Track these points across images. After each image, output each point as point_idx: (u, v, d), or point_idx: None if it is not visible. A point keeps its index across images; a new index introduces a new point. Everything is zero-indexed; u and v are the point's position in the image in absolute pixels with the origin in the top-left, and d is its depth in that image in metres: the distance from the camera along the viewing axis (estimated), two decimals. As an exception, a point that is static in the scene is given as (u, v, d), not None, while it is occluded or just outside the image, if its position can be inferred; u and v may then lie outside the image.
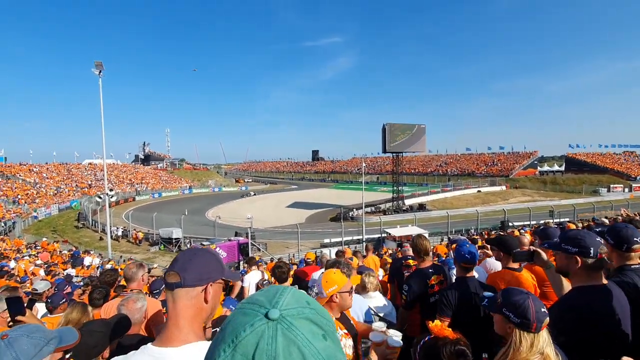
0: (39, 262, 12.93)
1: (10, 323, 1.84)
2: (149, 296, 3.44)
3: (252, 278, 5.85)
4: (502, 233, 14.03)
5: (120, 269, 9.89)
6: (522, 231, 11.17)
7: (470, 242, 2.81)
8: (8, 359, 0.98)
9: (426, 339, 1.52)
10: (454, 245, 3.48)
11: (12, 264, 11.50)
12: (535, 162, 66.26)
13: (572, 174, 57.98)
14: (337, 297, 2.01)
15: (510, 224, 22.21)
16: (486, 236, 15.55)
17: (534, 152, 67.95)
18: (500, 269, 3.06)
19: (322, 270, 4.96)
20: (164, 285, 4.40)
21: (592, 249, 1.76)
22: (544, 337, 1.48)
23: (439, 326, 1.52)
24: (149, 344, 1.07)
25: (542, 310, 1.50)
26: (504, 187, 51.50)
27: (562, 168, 65.63)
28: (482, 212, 27.80)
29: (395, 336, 1.73)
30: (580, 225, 7.58)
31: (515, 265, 2.78)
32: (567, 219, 19.94)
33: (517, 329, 1.51)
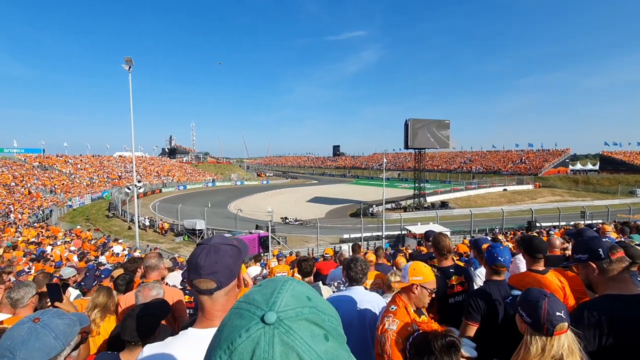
0: (72, 248, 13.68)
1: (50, 307, 1.97)
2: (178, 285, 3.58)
3: (251, 272, 6.78)
4: (533, 233, 13.51)
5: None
6: (550, 232, 10.73)
7: (502, 244, 2.68)
8: (48, 339, 1.05)
9: (415, 334, 1.51)
10: (482, 248, 3.36)
11: (48, 249, 12.23)
12: (567, 160, 63.15)
13: (607, 173, 54.90)
14: (417, 289, 2.02)
15: (537, 224, 21.35)
16: (512, 236, 15.05)
17: (565, 149, 64.77)
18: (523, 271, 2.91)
19: (339, 266, 4.98)
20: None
21: (600, 250, 1.66)
22: (560, 344, 1.41)
23: (427, 320, 1.52)
24: (189, 328, 1.11)
25: (558, 314, 1.43)
26: (531, 186, 49.43)
27: (597, 167, 62.27)
28: (507, 211, 26.92)
29: (469, 345, 1.74)
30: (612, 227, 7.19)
31: (540, 268, 2.61)
32: (600, 221, 18.96)
33: (530, 329, 1.48)
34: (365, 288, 2.86)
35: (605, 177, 52.68)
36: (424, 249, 8.08)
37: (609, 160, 59.59)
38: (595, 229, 6.17)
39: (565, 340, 1.41)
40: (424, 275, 2.04)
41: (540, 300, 1.49)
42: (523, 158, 66.86)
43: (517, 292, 1.85)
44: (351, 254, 5.88)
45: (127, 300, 2.88)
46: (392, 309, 1.98)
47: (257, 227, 21.64)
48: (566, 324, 1.42)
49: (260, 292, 0.54)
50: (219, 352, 0.48)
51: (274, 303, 0.50)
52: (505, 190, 46.66)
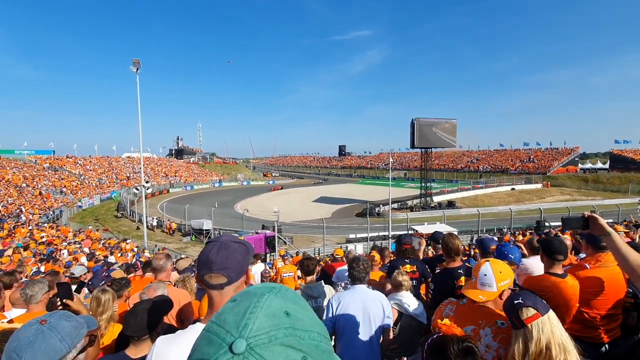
0: (85, 249, 13.83)
1: (60, 307, 1.99)
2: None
3: (256, 269, 7.14)
4: (545, 234, 13.38)
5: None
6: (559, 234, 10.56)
7: (513, 244, 2.64)
8: (54, 341, 1.05)
9: (434, 336, 1.46)
10: (491, 248, 3.29)
11: (65, 253, 12.26)
12: (577, 159, 62.19)
13: (618, 172, 53.89)
14: (504, 295, 1.75)
15: (546, 224, 21.07)
16: (520, 236, 14.86)
17: (574, 148, 63.84)
18: (536, 273, 2.81)
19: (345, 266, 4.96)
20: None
21: None
22: (538, 332, 1.35)
23: (448, 324, 1.45)
24: (197, 323, 1.17)
25: (517, 302, 1.43)
26: (540, 185, 48.83)
27: (607, 165, 61.22)
28: (515, 210, 26.59)
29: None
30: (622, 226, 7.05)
31: (559, 271, 2.47)
32: (611, 220, 18.63)
33: (514, 331, 1.45)
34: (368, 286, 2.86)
35: (616, 175, 51.78)
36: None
37: (619, 158, 58.49)
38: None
39: (546, 330, 1.34)
40: (510, 276, 1.77)
41: (511, 297, 1.50)
42: (531, 157, 66.06)
43: None
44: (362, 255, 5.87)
45: (134, 303, 2.90)
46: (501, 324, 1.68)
47: (263, 227, 21.68)
48: (531, 309, 1.37)
49: (233, 312, 0.48)
50: None
51: (245, 327, 0.45)
52: (513, 189, 46.17)
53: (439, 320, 1.52)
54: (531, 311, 1.38)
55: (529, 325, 1.36)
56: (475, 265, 1.91)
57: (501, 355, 1.56)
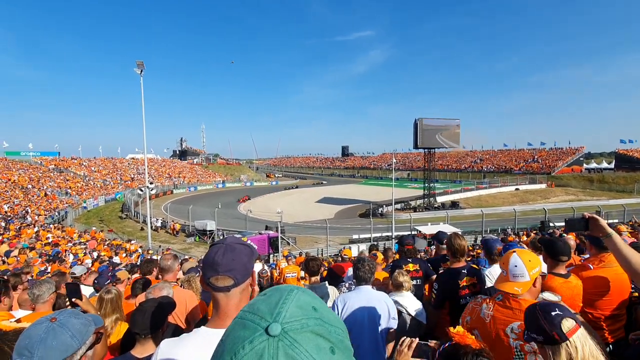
0: (95, 254, 13.87)
1: (69, 306, 2.03)
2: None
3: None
4: (549, 234, 13.29)
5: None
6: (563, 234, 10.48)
7: (518, 244, 2.62)
8: (65, 338, 1.08)
9: (446, 344, 1.37)
10: (497, 249, 3.27)
11: (71, 257, 12.32)
12: (581, 158, 61.65)
13: (623, 171, 53.35)
14: (537, 283, 1.76)
15: (551, 224, 20.93)
16: (525, 237, 14.77)
17: (579, 148, 63.29)
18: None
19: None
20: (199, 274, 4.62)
21: None
22: (580, 345, 1.22)
23: (462, 332, 1.36)
24: (202, 327, 1.15)
25: (554, 314, 1.27)
26: (544, 185, 48.50)
27: (612, 165, 60.70)
28: (520, 211, 26.41)
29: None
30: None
31: (562, 271, 2.46)
32: (617, 221, 18.47)
33: (548, 347, 1.28)
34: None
35: (621, 175, 51.22)
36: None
37: (625, 158, 57.93)
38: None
39: (588, 342, 1.24)
40: (539, 263, 1.77)
41: (533, 311, 1.34)
42: (535, 157, 65.64)
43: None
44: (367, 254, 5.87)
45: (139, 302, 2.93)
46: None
47: (266, 228, 21.73)
48: (570, 319, 1.26)
49: (265, 302, 0.52)
50: None
51: (279, 314, 0.49)
52: (517, 189, 45.86)
53: (452, 329, 1.42)
54: (571, 322, 1.26)
55: (571, 339, 1.23)
56: (502, 258, 1.88)
57: None
